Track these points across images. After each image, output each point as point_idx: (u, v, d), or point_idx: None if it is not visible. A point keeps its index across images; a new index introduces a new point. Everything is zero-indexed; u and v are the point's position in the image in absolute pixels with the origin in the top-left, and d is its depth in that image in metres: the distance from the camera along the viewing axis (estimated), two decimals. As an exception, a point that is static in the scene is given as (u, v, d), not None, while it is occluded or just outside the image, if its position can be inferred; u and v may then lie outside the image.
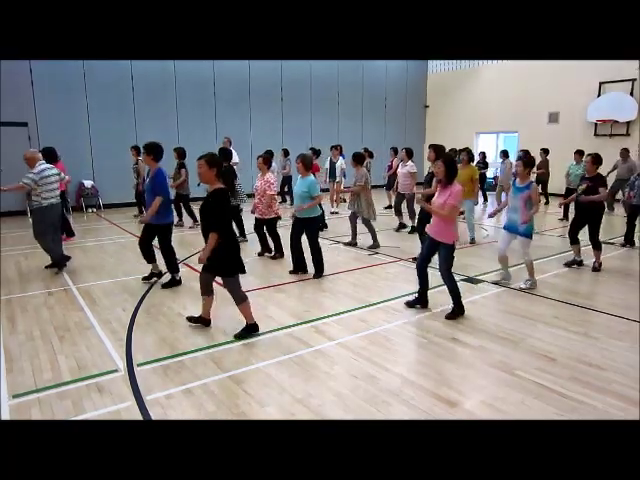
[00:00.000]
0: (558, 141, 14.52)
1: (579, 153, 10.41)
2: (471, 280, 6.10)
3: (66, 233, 8.38)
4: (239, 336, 4.36)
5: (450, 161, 4.80)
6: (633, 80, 13.70)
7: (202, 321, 4.60)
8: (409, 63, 18.66)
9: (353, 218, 8.13)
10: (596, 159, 6.45)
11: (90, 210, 12.53)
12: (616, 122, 14.06)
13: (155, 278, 6.10)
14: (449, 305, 5.10)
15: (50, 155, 7.30)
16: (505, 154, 12.22)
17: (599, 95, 14.48)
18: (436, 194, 4.95)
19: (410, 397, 3.35)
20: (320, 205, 6.45)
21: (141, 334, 4.50)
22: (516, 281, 5.94)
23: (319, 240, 6.39)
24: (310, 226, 6.29)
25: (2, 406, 3.25)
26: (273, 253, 7.47)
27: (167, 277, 6.01)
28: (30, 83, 11.63)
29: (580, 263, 6.77)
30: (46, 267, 6.77)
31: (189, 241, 8.71)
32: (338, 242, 8.49)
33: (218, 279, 4.49)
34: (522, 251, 5.73)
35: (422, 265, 5.05)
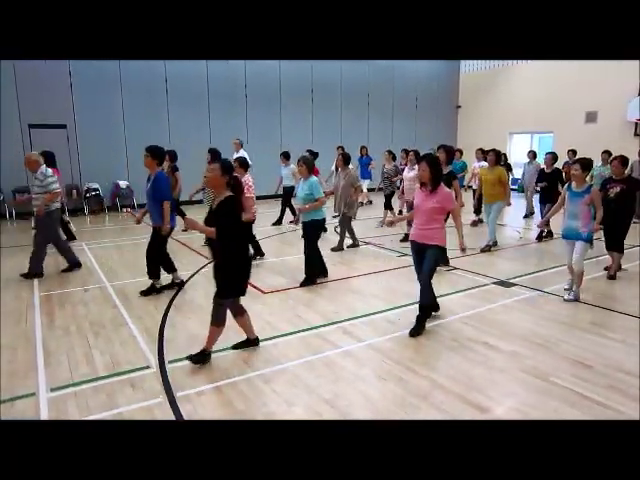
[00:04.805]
0: (596, 141, 14.00)
1: (607, 153, 9.97)
2: (503, 283, 5.96)
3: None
4: (191, 358, 3.85)
5: (435, 163, 4.32)
6: (677, 77, 13.13)
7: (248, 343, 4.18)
8: (440, 63, 18.38)
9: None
10: (624, 160, 6.33)
11: (125, 210, 12.91)
12: (658, 122, 13.50)
13: (177, 287, 5.93)
14: (481, 308, 5.00)
15: (51, 159, 7.79)
16: (533, 155, 11.72)
17: (640, 93, 13.95)
18: (420, 199, 4.42)
19: (440, 401, 3.30)
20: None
21: (173, 332, 4.59)
22: (547, 285, 5.78)
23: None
24: (310, 229, 5.97)
25: (40, 399, 3.38)
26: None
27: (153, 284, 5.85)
28: (69, 86, 12.07)
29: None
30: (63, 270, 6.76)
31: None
32: (368, 243, 8.45)
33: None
34: (578, 257, 5.28)
35: None
